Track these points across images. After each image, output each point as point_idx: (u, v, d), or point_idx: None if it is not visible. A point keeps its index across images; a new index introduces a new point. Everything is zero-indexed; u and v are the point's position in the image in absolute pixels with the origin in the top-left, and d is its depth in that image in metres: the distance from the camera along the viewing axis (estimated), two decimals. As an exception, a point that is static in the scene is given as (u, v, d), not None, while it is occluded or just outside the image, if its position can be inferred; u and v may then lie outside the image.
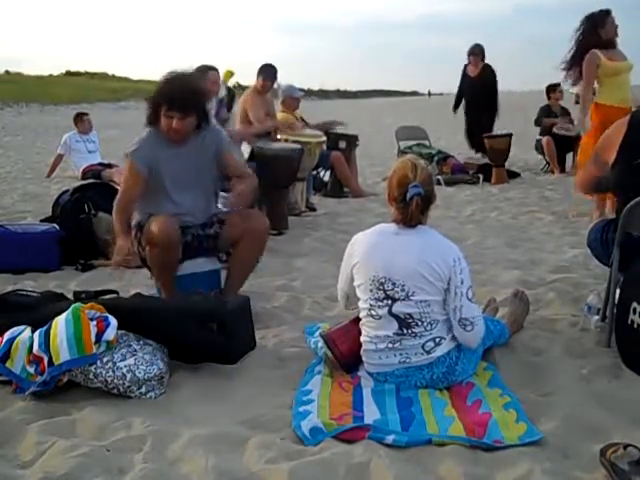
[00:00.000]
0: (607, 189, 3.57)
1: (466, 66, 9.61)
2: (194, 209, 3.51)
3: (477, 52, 9.46)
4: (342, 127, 7.79)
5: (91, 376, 2.61)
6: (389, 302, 2.61)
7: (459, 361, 2.66)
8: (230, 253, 3.55)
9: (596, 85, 5.76)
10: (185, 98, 3.33)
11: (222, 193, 3.82)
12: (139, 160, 3.42)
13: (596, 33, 5.56)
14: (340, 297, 2.96)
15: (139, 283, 4.08)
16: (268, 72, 6.69)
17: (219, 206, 3.76)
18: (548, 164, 9.26)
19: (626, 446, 2.04)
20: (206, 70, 5.44)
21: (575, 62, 5.67)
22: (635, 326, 2.73)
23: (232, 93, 9.80)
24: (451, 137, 13.45)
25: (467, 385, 2.66)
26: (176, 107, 3.32)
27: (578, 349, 3.01)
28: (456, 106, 9.89)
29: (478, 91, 9.38)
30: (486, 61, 9.55)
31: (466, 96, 9.66)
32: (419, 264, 2.58)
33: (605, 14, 5.61)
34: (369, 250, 2.69)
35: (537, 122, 9.44)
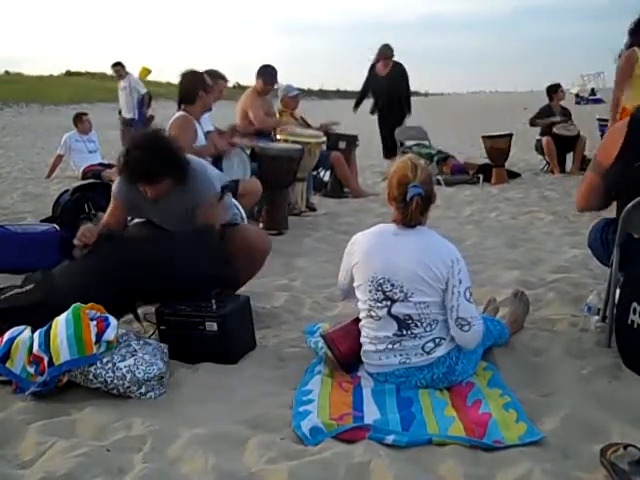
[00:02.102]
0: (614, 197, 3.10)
1: (373, 65, 9.29)
2: None
3: (388, 55, 9.12)
4: (337, 125, 7.77)
5: (91, 377, 2.60)
6: (388, 303, 2.61)
7: (459, 361, 2.66)
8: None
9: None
10: (151, 172, 3.20)
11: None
12: (120, 195, 3.43)
13: None
14: (340, 291, 2.98)
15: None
16: (268, 74, 6.66)
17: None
18: (548, 164, 9.26)
19: (626, 446, 2.04)
20: (216, 78, 5.39)
21: None
22: (635, 326, 2.72)
23: (150, 93, 9.47)
24: (451, 137, 13.45)
25: (467, 385, 2.66)
26: (144, 182, 3.24)
27: (578, 349, 3.01)
28: (357, 104, 9.62)
29: (390, 90, 9.06)
30: (396, 59, 9.22)
31: (377, 96, 9.32)
32: (417, 265, 2.57)
33: None
34: (368, 250, 2.68)
35: (532, 123, 9.38)
